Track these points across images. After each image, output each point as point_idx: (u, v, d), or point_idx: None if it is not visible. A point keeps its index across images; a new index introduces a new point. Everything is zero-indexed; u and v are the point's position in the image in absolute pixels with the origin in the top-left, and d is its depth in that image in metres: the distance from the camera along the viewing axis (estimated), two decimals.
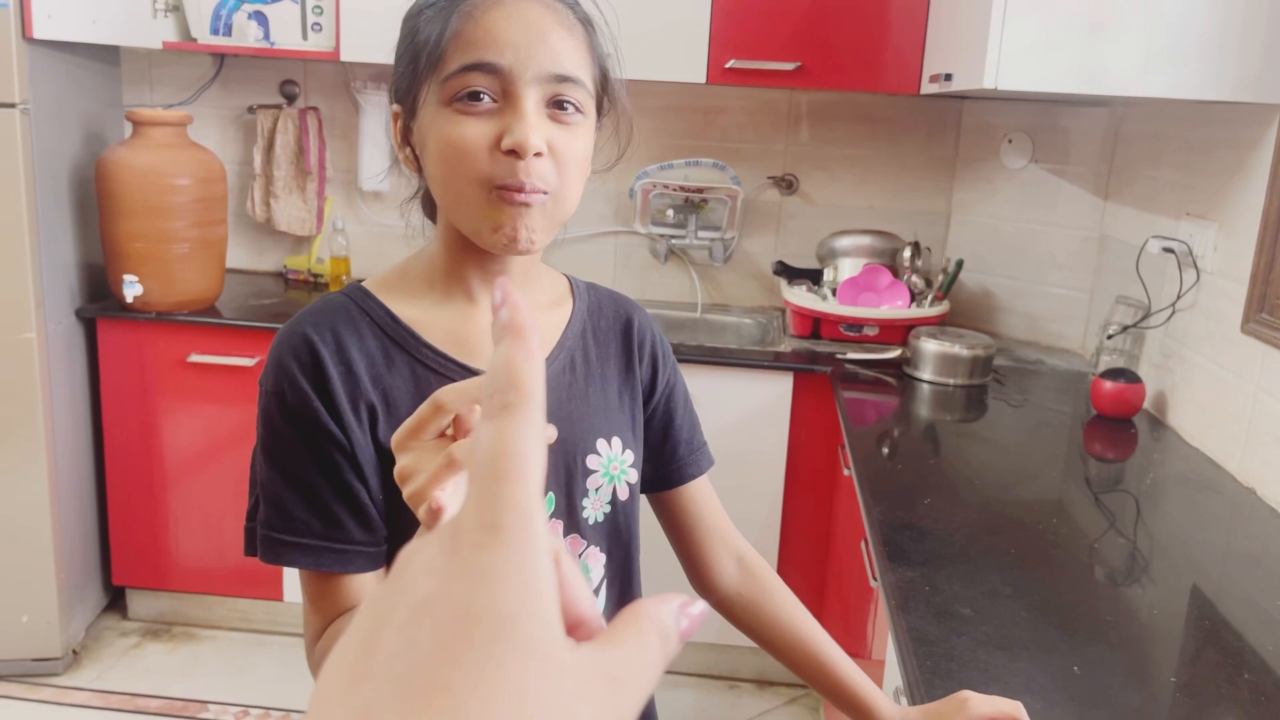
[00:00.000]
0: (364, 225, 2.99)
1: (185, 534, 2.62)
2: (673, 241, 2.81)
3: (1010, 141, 2.63)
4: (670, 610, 0.31)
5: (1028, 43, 1.72)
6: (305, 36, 2.61)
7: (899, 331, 2.47)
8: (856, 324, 2.48)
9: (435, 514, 0.54)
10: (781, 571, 2.35)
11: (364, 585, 0.81)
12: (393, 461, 0.70)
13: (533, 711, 0.26)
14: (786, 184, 2.83)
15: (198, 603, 2.72)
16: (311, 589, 0.82)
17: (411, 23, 0.83)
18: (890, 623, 1.20)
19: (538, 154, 0.76)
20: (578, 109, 0.80)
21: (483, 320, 0.86)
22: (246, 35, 2.61)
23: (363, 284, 0.88)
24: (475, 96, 0.77)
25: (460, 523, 0.29)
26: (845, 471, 1.98)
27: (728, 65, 2.40)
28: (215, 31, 2.63)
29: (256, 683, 2.51)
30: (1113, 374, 2.03)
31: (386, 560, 0.83)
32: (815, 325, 2.52)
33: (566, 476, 0.88)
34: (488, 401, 0.31)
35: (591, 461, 0.90)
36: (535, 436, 0.30)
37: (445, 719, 0.25)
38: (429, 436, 0.60)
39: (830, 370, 2.31)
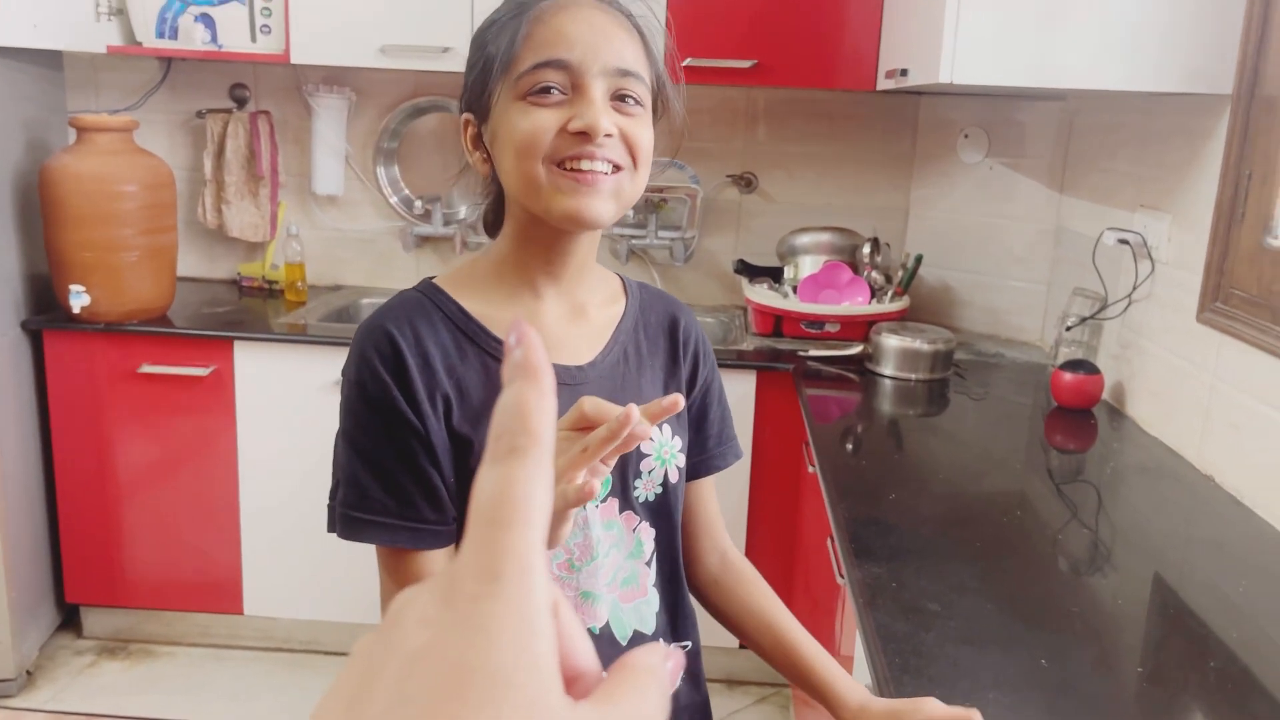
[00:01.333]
0: (319, 230, 2.94)
1: (140, 548, 2.56)
2: (633, 241, 2.79)
3: (966, 136, 2.65)
4: (660, 658, 0.30)
5: (982, 37, 1.72)
6: (254, 39, 2.56)
7: (860, 327, 2.47)
8: (818, 321, 2.48)
9: (588, 494, 0.67)
10: None
11: (434, 560, 0.88)
12: (465, 447, 0.86)
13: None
14: (745, 182, 2.83)
15: (155, 619, 2.66)
16: (388, 563, 0.88)
17: (481, 37, 0.91)
18: (858, 620, 1.19)
19: (607, 134, 0.83)
20: (638, 102, 0.87)
21: (546, 312, 0.93)
22: (193, 38, 2.56)
23: (433, 280, 0.94)
24: (546, 90, 0.84)
25: (457, 571, 0.28)
26: (810, 468, 1.97)
27: (684, 63, 2.38)
28: (161, 35, 2.58)
29: (217, 698, 2.46)
30: (1072, 365, 2.04)
31: (455, 539, 0.87)
32: (777, 323, 2.52)
33: (622, 461, 0.93)
34: (495, 443, 0.30)
35: (645, 445, 0.96)
36: (541, 482, 0.29)
37: None
38: (564, 429, 0.71)
39: (793, 368, 2.30)
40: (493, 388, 0.88)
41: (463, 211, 2.92)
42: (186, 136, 2.90)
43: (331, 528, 0.89)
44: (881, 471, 1.72)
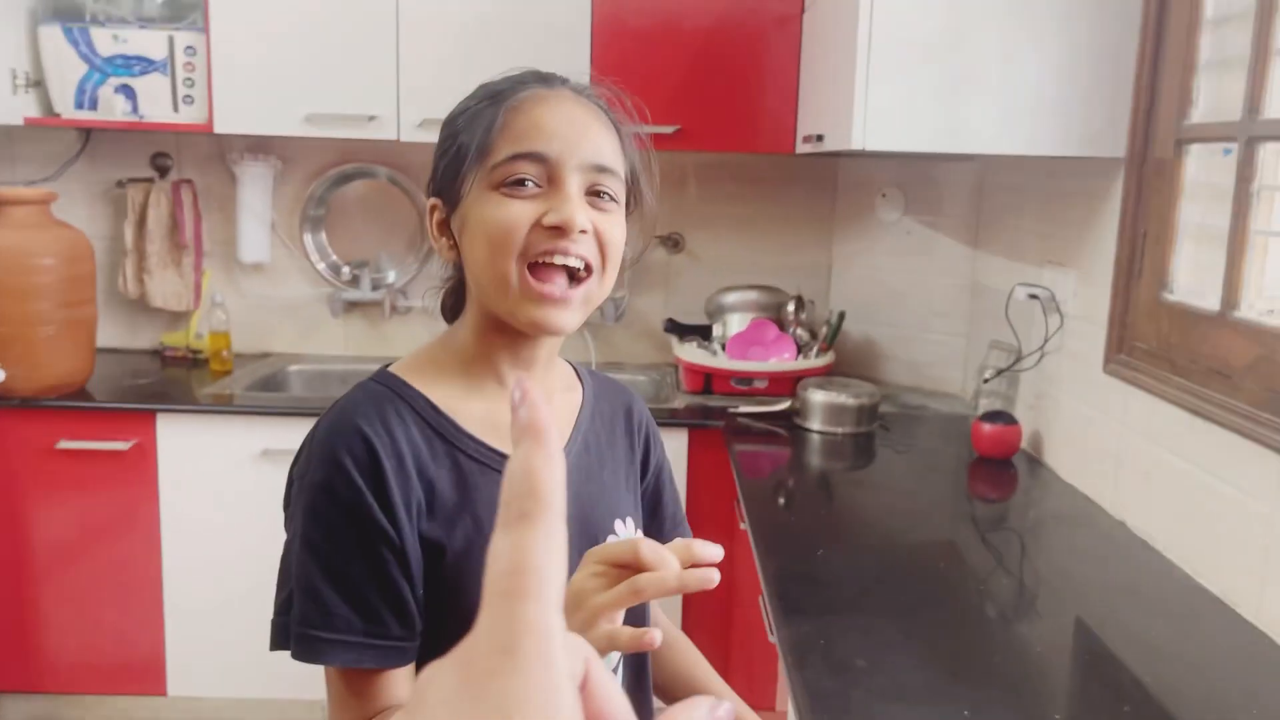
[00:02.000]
0: (245, 298, 2.91)
1: (58, 631, 2.47)
2: None
3: (884, 196, 2.74)
4: (702, 714, 0.30)
5: (891, 105, 1.80)
6: (176, 109, 2.55)
7: (788, 383, 2.52)
8: (746, 377, 2.53)
9: (649, 644, 0.70)
10: (686, 631, 2.35)
11: (397, 680, 0.83)
12: (435, 552, 0.83)
13: None
14: (674, 243, 2.88)
15: (75, 704, 2.56)
16: (345, 686, 0.83)
17: (452, 125, 0.89)
18: (788, 679, 1.21)
19: (582, 230, 0.82)
20: (613, 198, 0.86)
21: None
22: (114, 109, 2.54)
23: (391, 370, 0.90)
24: (521, 183, 0.82)
25: (474, 646, 0.28)
26: (741, 525, 2.00)
27: None
28: (80, 105, 2.56)
29: None
30: (991, 416, 2.11)
31: (419, 655, 0.84)
32: (707, 380, 2.55)
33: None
34: (505, 509, 0.30)
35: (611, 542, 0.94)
36: (555, 548, 0.29)
37: None
38: (608, 562, 0.72)
39: (723, 425, 2.33)
40: (464, 487, 0.86)
41: (391, 276, 2.92)
42: (107, 207, 2.86)
43: (280, 645, 0.83)
44: (810, 527, 1.75)
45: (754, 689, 2.06)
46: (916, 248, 2.74)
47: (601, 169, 0.84)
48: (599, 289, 0.86)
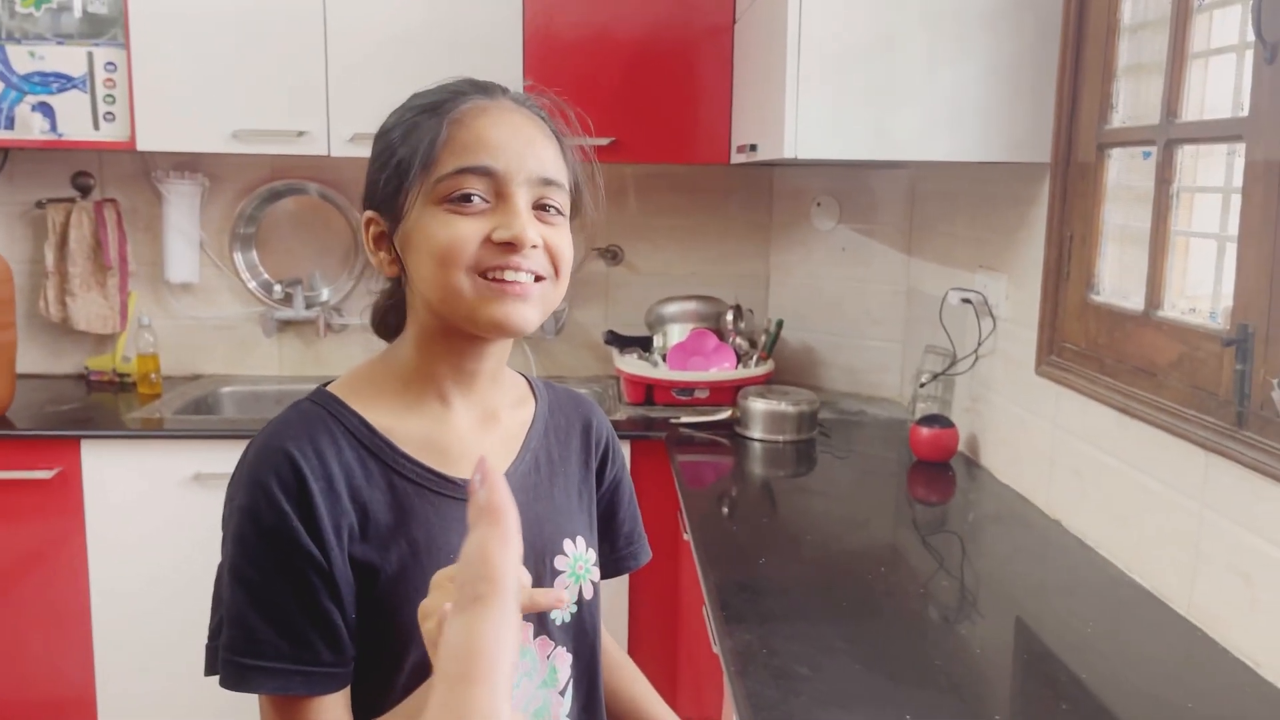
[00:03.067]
0: (174, 319, 2.84)
1: None
2: None
3: (819, 205, 2.76)
4: None
5: (820, 114, 1.81)
6: (97, 126, 2.49)
7: (728, 392, 2.52)
8: (687, 388, 2.52)
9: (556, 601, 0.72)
10: (632, 645, 2.34)
11: (329, 708, 0.81)
12: (368, 574, 0.81)
13: None
14: (612, 255, 2.87)
15: None
16: (279, 712, 0.81)
17: (387, 137, 0.86)
18: (730, 689, 1.20)
19: (533, 245, 0.81)
20: (560, 211, 0.85)
21: (456, 422, 0.88)
22: (31, 128, 2.47)
23: (328, 389, 0.88)
24: (468, 198, 0.81)
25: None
26: (685, 536, 1.99)
27: None
28: None
29: None
30: (928, 420, 2.13)
31: (351, 680, 0.83)
32: (648, 392, 2.54)
33: (535, 578, 0.88)
34: (460, 591, 0.31)
35: (559, 562, 0.92)
36: (506, 632, 0.31)
37: None
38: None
39: (665, 435, 2.33)
40: (399, 509, 0.84)
41: (325, 294, 2.87)
42: (26, 228, 2.77)
43: (212, 671, 0.81)
44: (753, 535, 1.75)
45: (700, 700, 2.05)
46: (851, 256, 2.76)
47: (548, 182, 0.84)
48: (554, 293, 0.86)
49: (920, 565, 1.63)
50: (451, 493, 0.86)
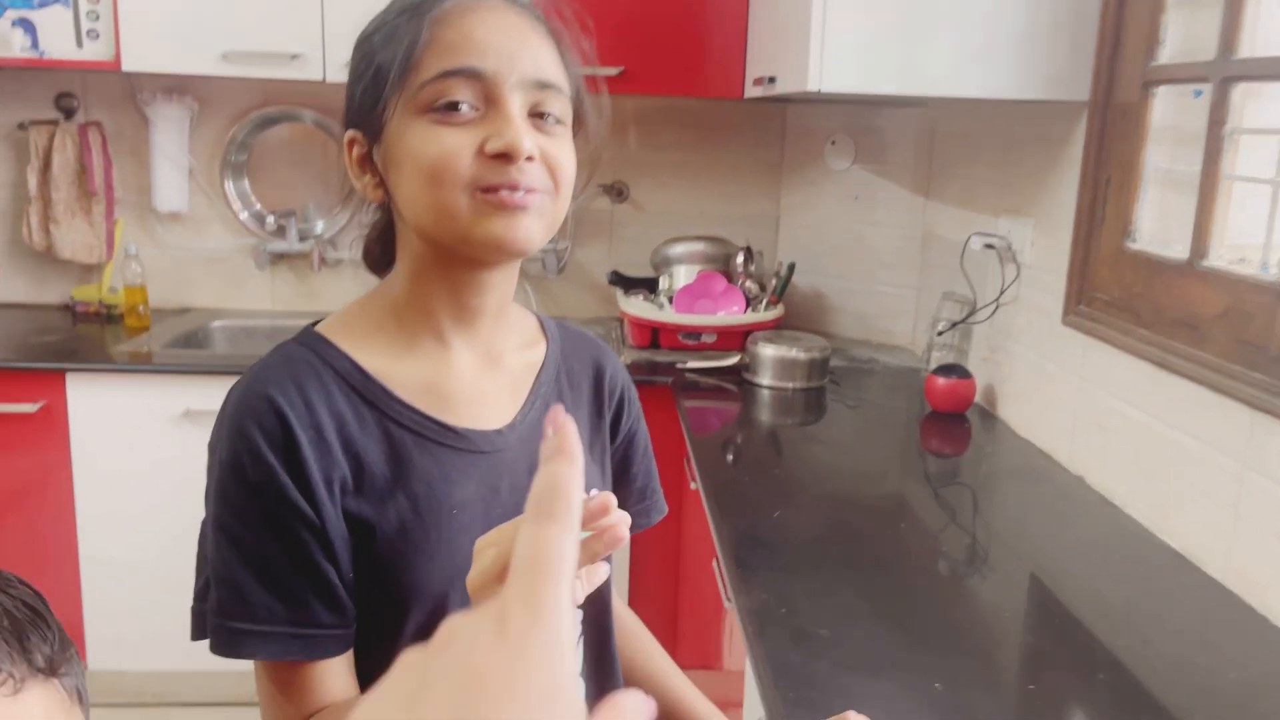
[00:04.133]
0: (161, 249, 2.74)
1: None
2: None
3: (834, 143, 2.66)
4: (640, 705, 0.34)
5: (848, 46, 1.71)
6: (80, 44, 2.36)
7: (737, 337, 2.44)
8: (694, 332, 2.44)
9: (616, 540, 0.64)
10: (633, 595, 2.29)
11: (332, 672, 0.75)
12: (364, 531, 0.75)
13: None
14: (617, 192, 2.77)
15: None
16: (277, 679, 0.75)
17: (366, 43, 0.78)
18: (748, 651, 1.14)
19: (529, 158, 0.72)
20: (559, 120, 0.76)
21: (456, 364, 0.81)
22: (11, 45, 2.34)
23: (317, 329, 0.81)
24: (454, 106, 0.72)
25: (507, 608, 0.33)
26: (692, 485, 1.92)
27: None
28: None
29: None
30: (944, 370, 2.06)
31: (353, 642, 0.77)
32: (654, 335, 2.46)
33: None
34: (534, 508, 0.36)
35: None
36: (571, 543, 0.35)
37: None
38: None
39: (671, 380, 2.25)
40: (396, 461, 0.77)
41: (319, 226, 2.77)
42: (8, 151, 2.66)
43: (200, 635, 0.75)
44: (764, 487, 1.69)
45: (703, 650, 2.01)
46: (865, 198, 2.67)
47: (544, 85, 0.74)
48: (554, 210, 0.76)
49: (937, 520, 1.57)
50: (453, 442, 0.79)
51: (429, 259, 0.78)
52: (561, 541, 0.35)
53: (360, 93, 0.77)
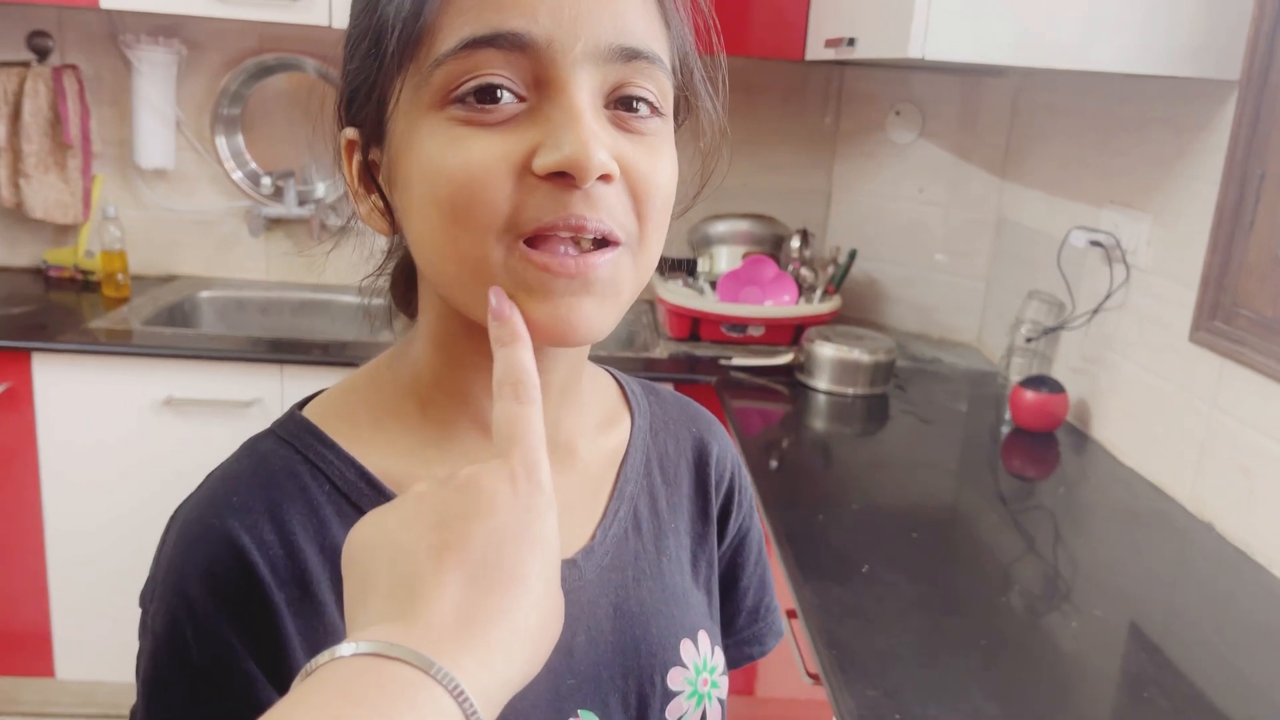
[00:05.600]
0: (144, 210, 2.46)
1: None
2: None
3: (898, 114, 2.38)
4: None
5: (960, 6, 1.43)
6: None
7: (786, 331, 2.19)
8: (740, 323, 2.18)
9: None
10: None
11: None
12: None
13: (551, 594, 0.42)
14: None
15: None
16: None
17: (357, 4, 0.52)
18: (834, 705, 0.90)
19: (603, 177, 0.46)
20: (656, 109, 0.50)
21: None
22: None
23: (305, 414, 0.56)
24: (488, 93, 0.46)
25: (513, 470, 0.43)
26: None
27: None
28: None
29: None
30: (1033, 382, 1.80)
31: None
32: (694, 325, 2.20)
33: (640, 707, 0.57)
34: (506, 390, 0.44)
35: (675, 679, 0.58)
36: (540, 417, 0.45)
37: (520, 589, 0.40)
38: None
39: (715, 380, 2.00)
40: None
41: (320, 189, 2.49)
42: None
43: None
44: (824, 510, 1.44)
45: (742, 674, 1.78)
46: (930, 175, 2.39)
47: (631, 54, 0.48)
48: (639, 262, 0.51)
49: (1042, 571, 1.33)
50: None
51: (459, 319, 0.53)
52: (535, 418, 0.44)
53: (354, 71, 0.52)
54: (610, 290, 0.49)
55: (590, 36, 0.46)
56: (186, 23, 2.32)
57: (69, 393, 1.99)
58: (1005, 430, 1.85)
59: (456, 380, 0.55)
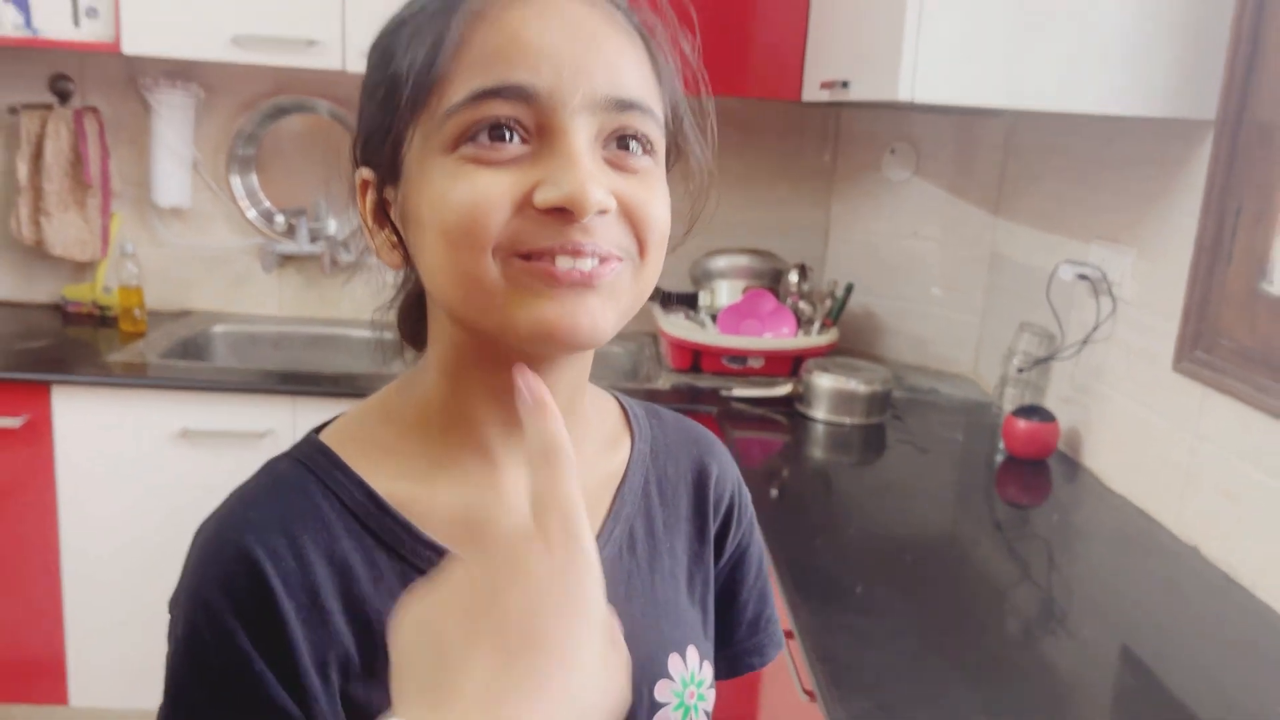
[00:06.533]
0: (160, 248, 2.53)
1: None
2: None
3: (893, 152, 2.45)
4: None
5: (946, 50, 1.50)
6: (77, 23, 2.15)
7: (785, 362, 2.24)
8: (740, 355, 2.24)
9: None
10: None
11: None
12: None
13: (599, 659, 0.42)
14: None
15: None
16: None
17: (385, 44, 0.56)
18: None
19: (602, 211, 0.51)
20: (647, 149, 0.54)
21: (507, 488, 0.60)
22: (2, 22, 2.14)
23: (322, 438, 0.60)
24: (497, 135, 0.51)
25: (549, 535, 0.43)
26: None
27: None
28: None
29: None
30: (1025, 411, 1.85)
31: None
32: (695, 358, 2.26)
33: (627, 718, 0.60)
34: (538, 460, 0.46)
35: (662, 691, 0.64)
36: (575, 482, 0.46)
37: (561, 658, 0.40)
38: None
39: (716, 410, 2.05)
40: None
41: (332, 226, 2.56)
42: None
43: None
44: (822, 537, 1.48)
45: (737, 701, 1.81)
46: (926, 212, 2.46)
47: (627, 105, 0.53)
48: (636, 283, 0.55)
49: (1030, 588, 1.37)
50: None
51: (467, 348, 0.58)
52: (570, 483, 0.45)
53: (371, 116, 0.57)
54: (612, 291, 0.53)
55: (588, 88, 0.51)
56: (204, 67, 2.41)
57: (86, 424, 2.04)
58: (999, 459, 1.90)
59: (462, 407, 0.59)
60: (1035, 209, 2.14)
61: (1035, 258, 2.07)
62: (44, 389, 2.02)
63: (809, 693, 1.15)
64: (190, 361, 2.28)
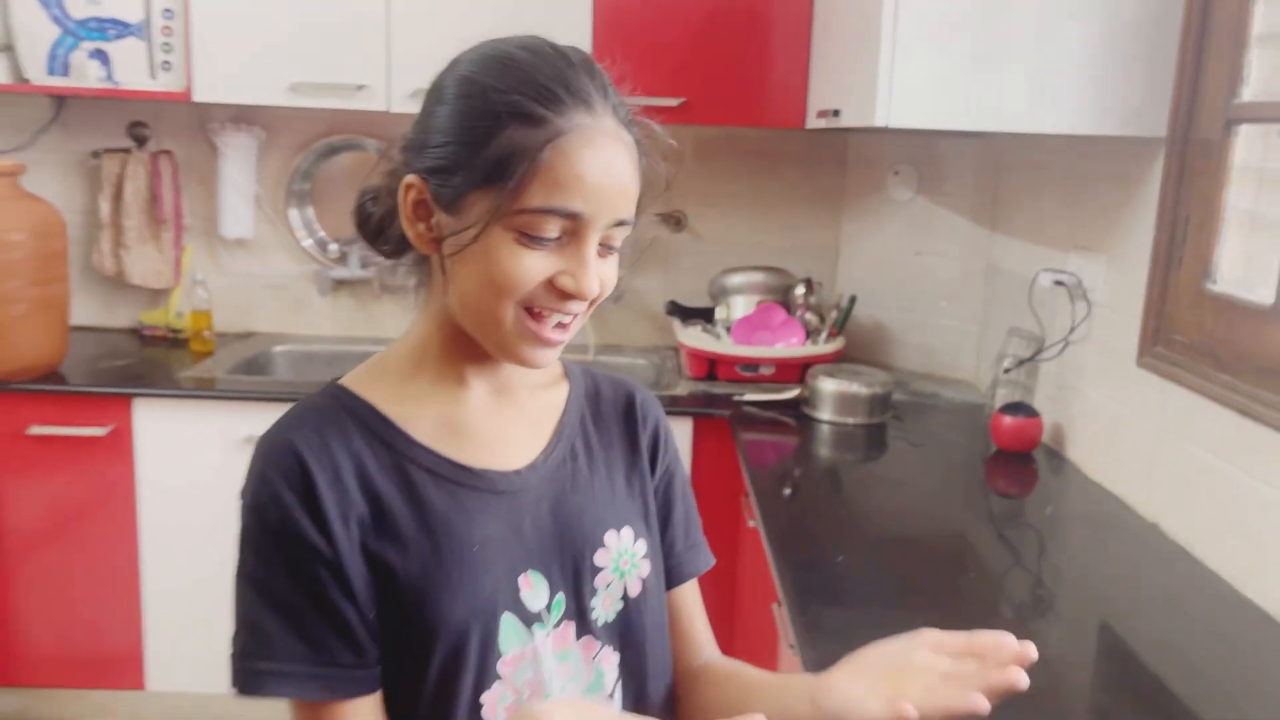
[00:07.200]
0: (227, 276, 2.78)
1: (32, 622, 2.36)
2: None
3: (897, 174, 2.62)
4: None
5: (917, 80, 1.68)
6: (154, 76, 2.41)
7: (795, 370, 2.41)
8: (752, 364, 2.42)
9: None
10: None
11: (360, 713, 0.77)
12: (385, 574, 0.76)
13: None
14: (675, 221, 2.76)
15: (50, 698, 2.45)
16: (303, 717, 0.77)
17: (464, 108, 0.76)
18: None
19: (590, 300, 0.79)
20: (616, 247, 0.81)
21: (476, 405, 0.84)
22: (87, 75, 2.40)
23: (339, 383, 0.84)
24: (548, 232, 0.75)
25: None
26: (750, 523, 1.90)
27: None
28: (52, 72, 2.41)
29: None
30: (1011, 408, 2.01)
31: (379, 683, 0.78)
32: (711, 366, 2.44)
33: (575, 575, 0.84)
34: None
35: (599, 557, 0.85)
36: None
37: None
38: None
39: (729, 414, 2.23)
40: (415, 501, 0.79)
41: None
42: (81, 178, 2.72)
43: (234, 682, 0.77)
44: (825, 527, 1.65)
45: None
46: (929, 229, 2.63)
47: (622, 223, 0.78)
48: (584, 319, 0.81)
49: (1006, 565, 1.53)
50: (471, 482, 0.81)
51: (459, 327, 0.81)
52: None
53: (444, 154, 0.76)
54: (563, 344, 0.80)
55: (608, 216, 0.75)
56: (265, 112, 2.66)
57: (163, 431, 2.28)
58: (988, 452, 2.05)
59: (446, 351, 0.82)
60: (1025, 223, 2.30)
61: (1023, 267, 2.23)
62: (126, 401, 2.26)
63: (793, 646, 1.32)
64: (253, 377, 2.52)
